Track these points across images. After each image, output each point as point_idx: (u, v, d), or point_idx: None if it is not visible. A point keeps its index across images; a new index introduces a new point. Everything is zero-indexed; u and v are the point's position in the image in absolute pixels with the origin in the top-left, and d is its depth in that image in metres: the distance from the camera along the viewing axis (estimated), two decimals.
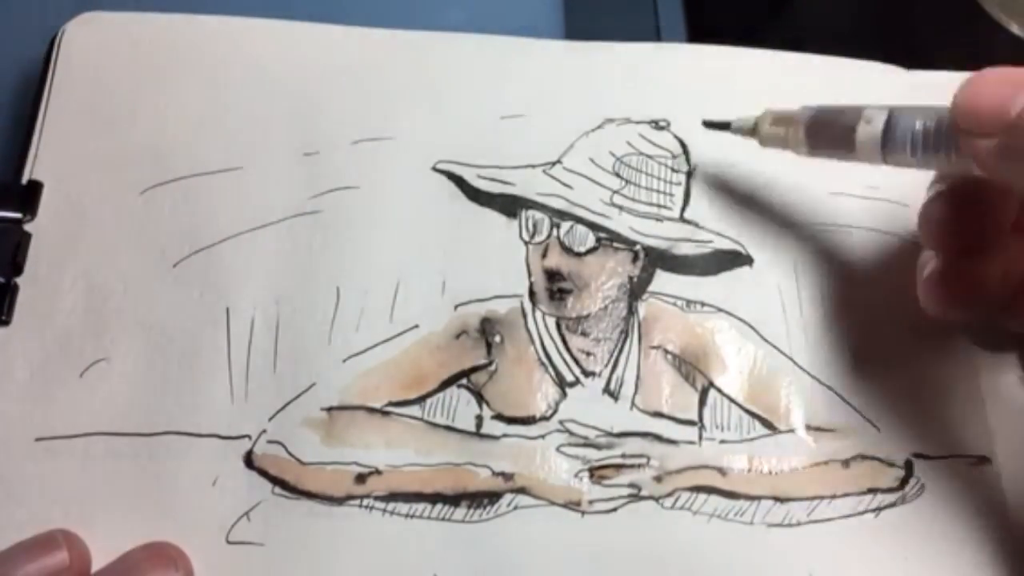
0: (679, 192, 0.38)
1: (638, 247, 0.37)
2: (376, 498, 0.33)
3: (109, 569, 0.30)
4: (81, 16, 0.39)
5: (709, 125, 0.38)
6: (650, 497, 0.33)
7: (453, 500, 0.33)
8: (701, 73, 0.41)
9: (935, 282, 0.34)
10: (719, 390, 0.35)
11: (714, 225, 0.38)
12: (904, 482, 0.34)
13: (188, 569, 0.31)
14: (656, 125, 0.39)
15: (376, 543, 0.32)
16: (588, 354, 0.35)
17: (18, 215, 0.35)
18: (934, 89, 0.41)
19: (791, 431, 0.34)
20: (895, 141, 0.31)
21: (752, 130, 0.36)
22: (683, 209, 0.38)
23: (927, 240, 0.34)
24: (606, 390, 0.35)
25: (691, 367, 0.35)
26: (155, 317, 0.35)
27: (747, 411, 0.35)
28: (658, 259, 0.37)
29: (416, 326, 0.35)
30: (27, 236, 0.35)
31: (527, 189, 0.37)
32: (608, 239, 0.37)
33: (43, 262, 0.35)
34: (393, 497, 0.33)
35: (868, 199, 0.38)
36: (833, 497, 0.33)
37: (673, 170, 0.38)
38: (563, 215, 0.37)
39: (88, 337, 0.34)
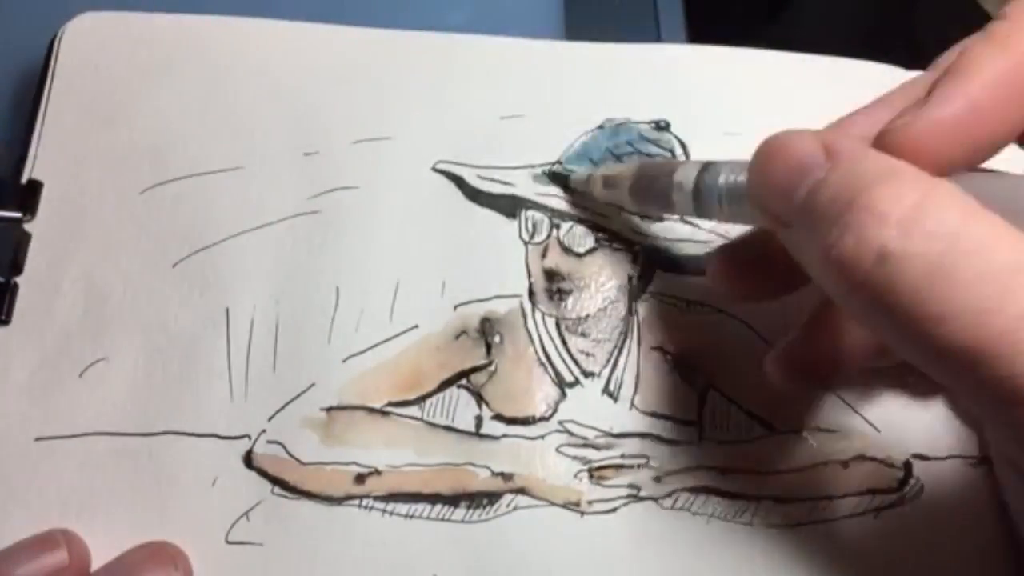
0: None
1: (638, 247, 0.37)
2: (375, 498, 0.33)
3: (108, 568, 0.30)
4: (81, 16, 0.39)
5: (550, 176, 0.38)
6: (649, 498, 0.33)
7: (452, 500, 0.33)
8: (701, 73, 0.41)
9: (775, 363, 0.32)
10: (719, 390, 0.35)
11: (714, 225, 0.38)
12: (904, 483, 0.34)
13: (187, 568, 0.31)
14: (656, 125, 0.39)
15: (375, 543, 0.32)
16: (588, 354, 0.35)
17: (18, 215, 0.35)
18: None
19: (790, 432, 0.34)
20: (704, 201, 0.30)
21: (587, 182, 0.36)
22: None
23: (716, 287, 0.33)
24: (605, 390, 0.35)
25: (691, 367, 0.35)
26: (155, 317, 0.35)
27: (747, 412, 0.35)
28: (658, 259, 0.37)
29: (416, 326, 0.35)
30: (27, 236, 0.35)
31: (527, 189, 0.37)
32: (608, 239, 0.37)
33: (43, 262, 0.35)
34: (392, 497, 0.33)
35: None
36: (832, 498, 0.33)
37: None
38: (563, 215, 0.37)
39: (88, 337, 0.34)
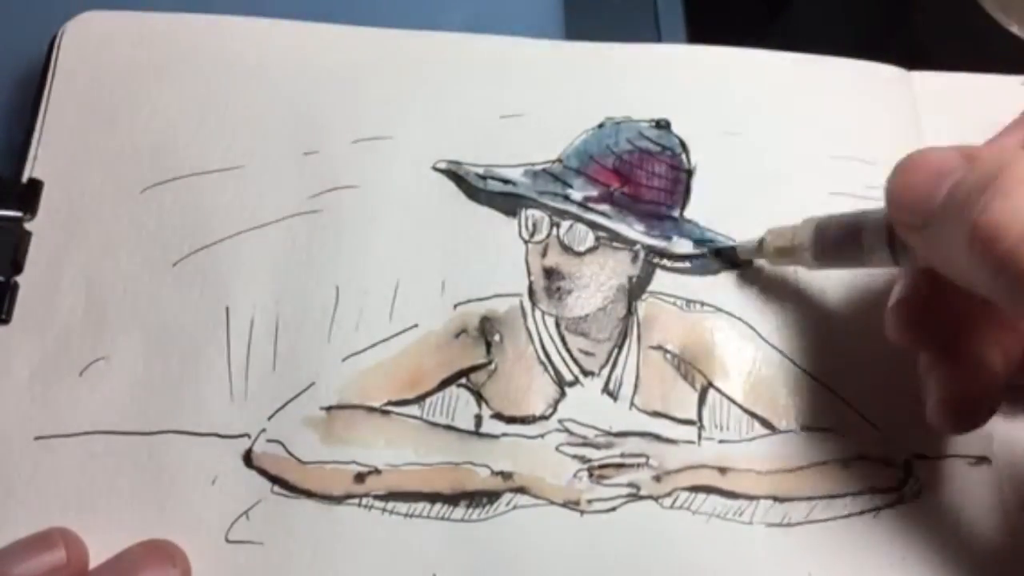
0: (679, 191, 0.38)
1: (638, 247, 0.37)
2: (375, 497, 0.33)
3: (107, 567, 0.30)
4: (81, 16, 0.39)
5: (713, 253, 0.37)
6: (649, 497, 0.33)
7: (452, 499, 0.33)
8: (701, 73, 0.41)
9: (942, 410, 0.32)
10: (718, 390, 0.35)
11: (714, 225, 0.38)
12: (903, 482, 0.34)
13: (186, 567, 0.31)
14: (657, 124, 0.39)
15: (375, 542, 0.32)
16: (587, 353, 0.35)
17: (18, 214, 0.35)
18: (935, 90, 0.41)
19: (790, 431, 0.34)
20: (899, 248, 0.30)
21: (757, 250, 0.36)
22: (683, 208, 0.38)
23: (898, 340, 0.33)
24: (605, 390, 0.35)
25: (690, 367, 0.35)
26: (155, 316, 0.35)
27: (746, 411, 0.35)
28: (657, 259, 0.37)
29: (415, 325, 0.35)
30: (27, 235, 0.35)
31: (527, 188, 0.37)
32: (608, 238, 0.37)
33: (43, 261, 0.35)
34: (392, 496, 0.33)
35: (868, 199, 0.38)
36: (832, 497, 0.33)
37: (673, 168, 0.38)
38: (563, 214, 0.37)
39: (88, 336, 0.34)
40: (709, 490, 0.33)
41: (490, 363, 0.35)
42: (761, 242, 0.35)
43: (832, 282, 0.37)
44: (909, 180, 0.28)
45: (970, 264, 0.25)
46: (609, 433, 0.34)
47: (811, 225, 0.33)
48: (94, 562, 0.31)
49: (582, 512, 0.33)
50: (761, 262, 0.37)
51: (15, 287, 0.35)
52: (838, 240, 0.32)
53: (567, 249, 0.36)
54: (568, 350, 0.35)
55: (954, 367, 0.31)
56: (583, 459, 0.34)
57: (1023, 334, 0.32)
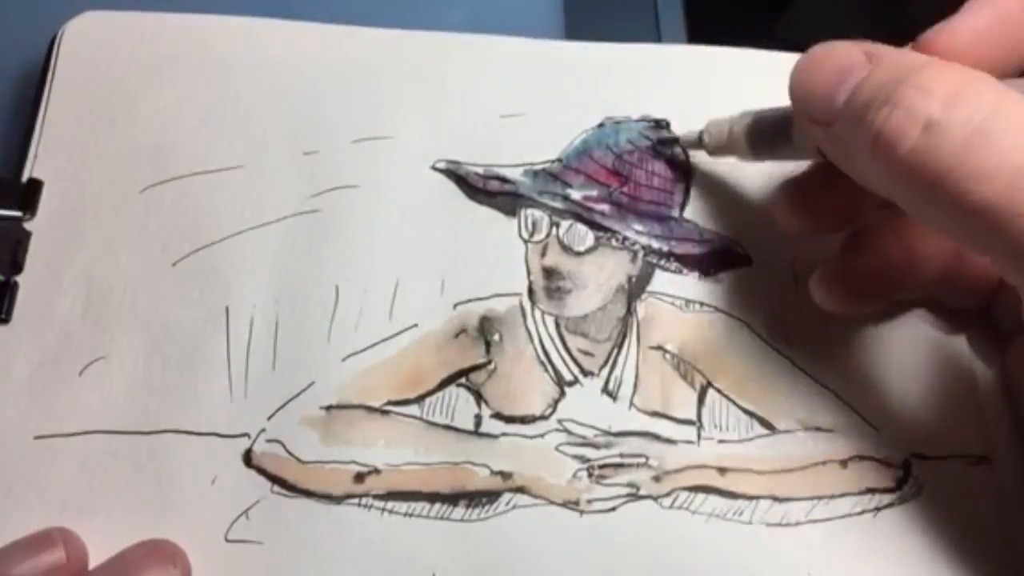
0: (679, 190, 0.38)
1: (637, 246, 0.37)
2: (375, 497, 0.33)
3: (106, 567, 0.30)
4: (81, 15, 0.39)
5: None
6: (649, 497, 0.33)
7: (452, 499, 0.33)
8: (701, 73, 0.41)
9: (821, 281, 0.34)
10: (718, 390, 0.35)
11: (714, 225, 0.38)
12: (902, 482, 0.34)
13: (186, 567, 0.31)
14: (656, 124, 0.39)
15: (375, 542, 0.32)
16: (587, 353, 0.35)
17: (18, 213, 0.35)
18: None
19: (789, 431, 0.34)
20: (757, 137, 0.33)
21: (697, 141, 0.37)
22: (683, 208, 0.38)
23: (780, 222, 0.34)
24: (605, 389, 0.35)
25: (690, 367, 0.35)
26: (154, 316, 0.35)
27: (746, 411, 0.35)
28: (657, 259, 0.37)
29: (415, 325, 0.35)
30: (27, 234, 0.35)
31: (527, 187, 0.37)
32: (607, 238, 0.37)
33: (43, 260, 0.35)
34: (392, 496, 0.33)
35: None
36: (831, 497, 0.33)
37: (673, 168, 0.38)
38: (562, 214, 0.37)
39: (87, 335, 0.34)
40: (708, 490, 0.33)
41: (489, 363, 0.35)
42: (701, 134, 0.36)
43: None
44: (812, 77, 0.28)
45: (871, 168, 0.26)
46: (608, 433, 0.34)
47: (747, 118, 0.34)
48: (93, 562, 0.31)
49: (581, 512, 0.33)
50: (701, 154, 0.37)
51: (15, 287, 0.35)
52: (771, 131, 0.33)
53: (567, 249, 0.36)
54: (567, 350, 0.35)
55: (850, 252, 0.33)
56: (583, 459, 0.34)
57: (930, 241, 0.33)
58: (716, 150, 0.36)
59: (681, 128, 0.39)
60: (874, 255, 0.33)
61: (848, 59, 0.27)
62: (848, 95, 0.27)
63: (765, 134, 0.34)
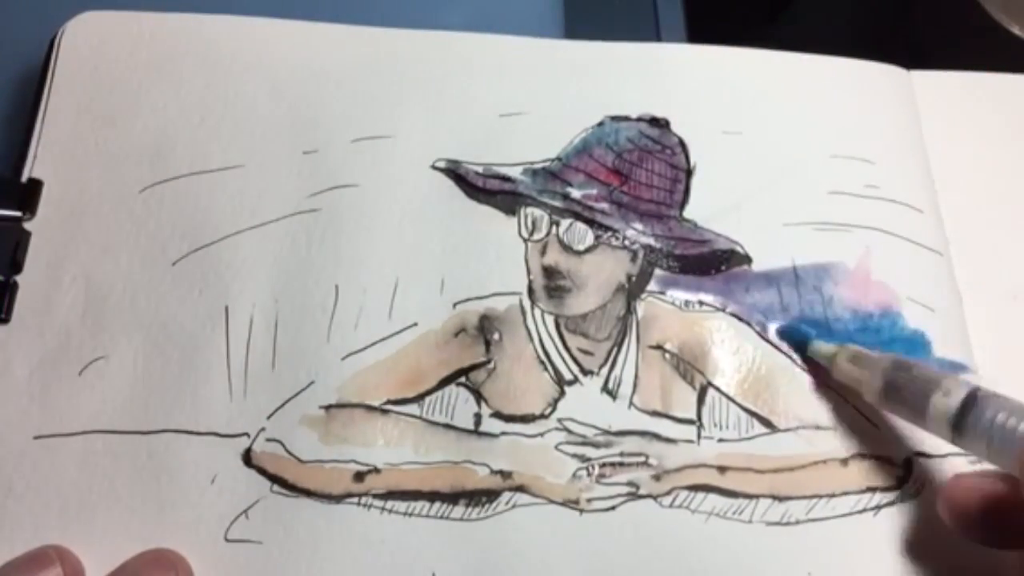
0: (679, 190, 0.38)
1: (637, 246, 0.37)
2: (374, 496, 0.33)
3: None
4: (81, 15, 0.39)
5: (782, 335, 0.36)
6: (648, 496, 0.33)
7: (451, 498, 0.33)
8: (701, 73, 0.41)
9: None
10: (717, 389, 0.35)
11: (713, 224, 0.38)
12: (903, 481, 0.34)
13: (188, 573, 0.31)
14: (656, 123, 0.39)
15: (374, 541, 0.32)
16: (586, 353, 0.35)
17: (18, 213, 0.36)
18: (934, 90, 0.41)
19: (789, 430, 0.34)
20: (967, 434, 0.30)
21: (829, 359, 0.35)
22: (682, 208, 0.38)
23: (947, 518, 0.32)
24: (604, 389, 0.35)
25: (689, 366, 0.35)
26: (154, 315, 0.35)
27: (746, 410, 0.35)
28: (657, 258, 0.37)
29: (415, 324, 0.35)
30: (26, 234, 0.35)
31: (527, 186, 0.37)
32: (607, 237, 0.37)
33: (42, 260, 0.35)
34: (391, 495, 0.33)
35: (868, 198, 0.38)
36: (832, 496, 0.33)
37: (673, 167, 0.38)
38: (562, 212, 0.37)
39: (87, 335, 0.34)
40: (708, 489, 0.33)
41: (489, 362, 0.35)
42: (835, 356, 0.34)
43: (831, 281, 0.37)
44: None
45: None
46: (608, 432, 0.34)
47: (884, 367, 0.33)
48: (91, 567, 0.31)
49: (581, 511, 0.33)
50: (825, 364, 0.35)
51: (14, 286, 0.35)
52: (905, 402, 0.32)
53: (566, 248, 0.36)
54: (567, 349, 0.35)
55: None
56: (582, 458, 0.33)
57: None
58: (843, 375, 0.34)
59: (680, 127, 0.39)
60: None
61: None
62: None
63: (901, 406, 0.32)
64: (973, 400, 0.30)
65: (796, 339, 0.36)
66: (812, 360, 0.35)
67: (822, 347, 0.35)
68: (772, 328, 0.36)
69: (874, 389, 0.33)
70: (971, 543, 0.31)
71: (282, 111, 0.38)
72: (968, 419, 0.30)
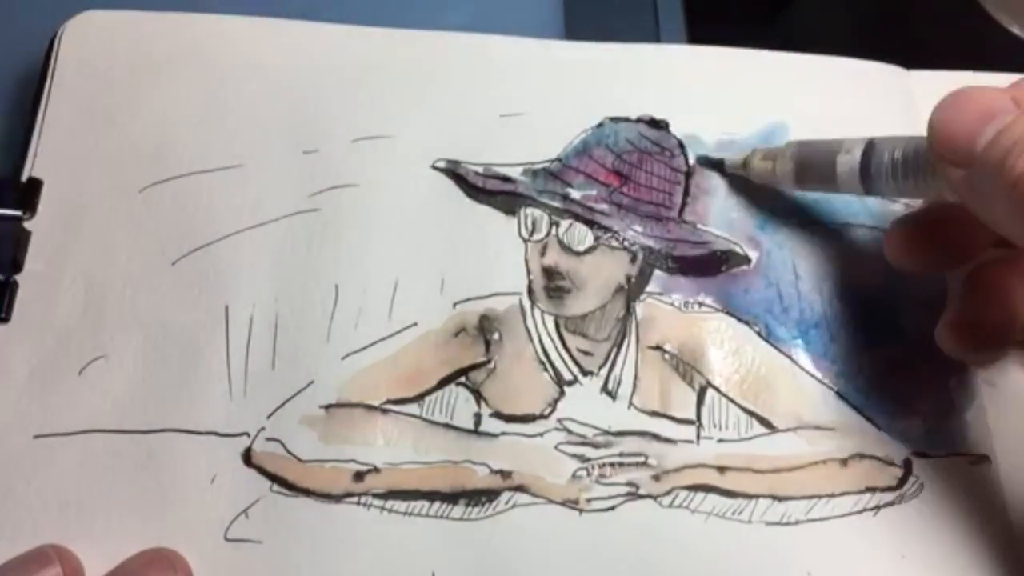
0: (678, 191, 0.38)
1: (636, 247, 0.37)
2: (374, 496, 0.33)
3: None
4: (81, 15, 0.39)
5: (703, 162, 0.39)
6: (648, 496, 0.33)
7: (451, 498, 0.33)
8: (701, 73, 0.41)
9: (949, 331, 0.34)
10: (717, 389, 0.35)
11: (713, 224, 0.38)
12: (903, 481, 0.34)
13: (187, 572, 0.31)
14: (656, 124, 0.39)
15: (374, 541, 0.32)
16: (586, 353, 0.35)
17: (18, 213, 0.35)
18: (934, 89, 0.41)
19: (789, 430, 0.34)
20: (873, 170, 0.32)
21: (743, 166, 0.38)
22: (682, 208, 0.38)
23: (892, 259, 0.35)
24: (604, 389, 0.35)
25: (689, 367, 0.35)
26: (154, 315, 0.35)
27: (745, 410, 0.35)
28: (656, 259, 0.37)
29: (415, 324, 0.35)
30: (26, 234, 0.35)
31: (526, 187, 0.37)
32: (607, 238, 0.37)
33: (42, 260, 0.35)
34: (391, 495, 0.33)
35: (867, 197, 0.38)
36: (831, 496, 0.33)
37: (672, 169, 0.38)
38: (562, 213, 0.37)
39: (87, 335, 0.34)
40: (708, 489, 0.33)
41: (489, 362, 0.35)
42: (747, 159, 0.37)
43: (831, 281, 0.37)
44: (954, 117, 0.28)
45: (1007, 214, 0.26)
46: (608, 432, 0.34)
47: (791, 149, 0.36)
48: (91, 567, 0.31)
49: (581, 511, 0.33)
50: (743, 174, 0.38)
51: (14, 286, 0.35)
52: (816, 169, 0.35)
53: (566, 248, 0.36)
54: (567, 349, 0.35)
55: (970, 294, 0.33)
56: (582, 458, 0.34)
57: None
58: (760, 178, 0.37)
59: (680, 127, 0.39)
60: (998, 299, 0.33)
61: (993, 103, 0.27)
62: (991, 139, 0.26)
63: (812, 173, 0.35)
64: (872, 148, 0.32)
65: (713, 162, 0.39)
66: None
67: (734, 157, 0.38)
68: (771, 328, 0.36)
69: (788, 172, 0.36)
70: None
71: (282, 111, 0.38)
72: (871, 166, 0.32)
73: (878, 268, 0.37)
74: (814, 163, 0.35)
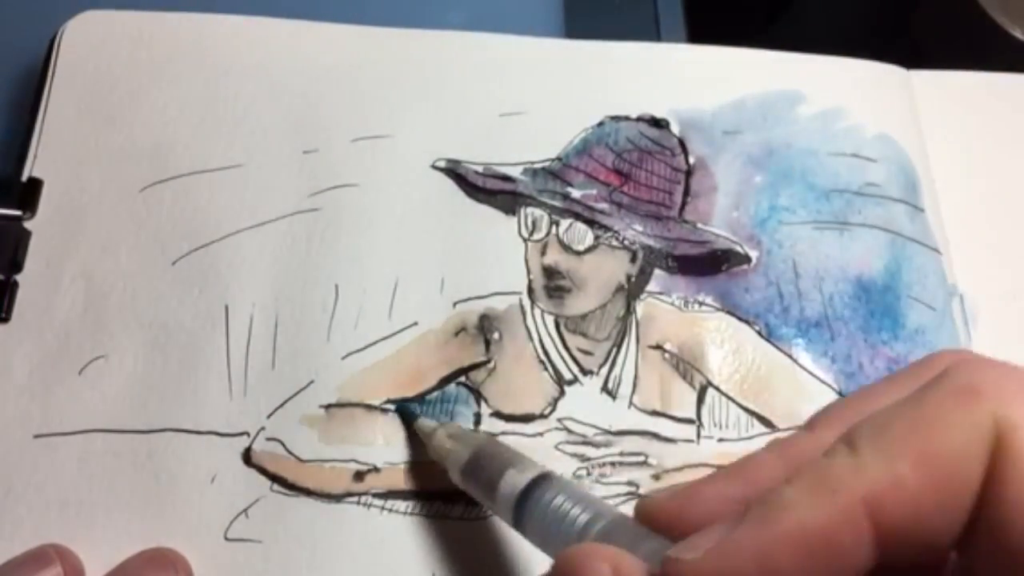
0: (678, 190, 0.38)
1: (636, 246, 0.37)
2: (374, 495, 0.33)
3: None
4: (81, 15, 0.39)
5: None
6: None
7: (451, 498, 0.33)
8: (701, 73, 0.41)
9: None
10: (717, 388, 0.35)
11: (713, 224, 0.38)
12: None
13: (188, 572, 0.31)
14: (656, 124, 0.39)
15: (374, 540, 0.32)
16: (586, 352, 0.35)
17: (18, 212, 0.35)
18: (934, 89, 0.41)
19: (789, 429, 0.34)
20: (530, 507, 0.27)
21: (428, 434, 0.32)
22: (682, 208, 0.38)
23: None
24: (604, 388, 0.35)
25: (689, 366, 0.35)
26: (154, 315, 0.35)
27: (745, 409, 0.35)
28: (656, 258, 0.37)
29: (415, 323, 0.35)
30: (27, 233, 0.35)
31: (527, 186, 0.37)
32: (607, 238, 0.37)
33: (42, 259, 0.35)
34: (391, 494, 0.33)
35: (868, 197, 0.38)
36: None
37: (672, 168, 0.38)
38: (562, 212, 0.37)
39: (87, 334, 0.34)
40: None
41: (489, 361, 0.35)
42: (434, 431, 0.32)
43: (831, 279, 0.37)
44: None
45: None
46: (608, 432, 0.34)
47: (481, 440, 0.31)
48: (91, 566, 0.31)
49: None
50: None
51: (15, 286, 0.35)
52: (481, 472, 0.29)
53: (566, 248, 0.36)
54: (567, 349, 0.35)
55: None
56: (582, 458, 0.33)
57: None
58: (436, 453, 0.32)
59: (680, 127, 0.39)
60: None
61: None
62: None
63: (478, 472, 0.29)
64: (544, 480, 0.27)
65: (404, 414, 0.34)
66: None
67: (425, 424, 0.33)
68: (771, 327, 0.36)
69: (458, 463, 0.30)
70: None
71: (282, 111, 0.38)
72: (530, 500, 0.26)
73: (878, 267, 0.37)
74: (485, 466, 0.29)
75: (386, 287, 0.35)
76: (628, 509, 0.32)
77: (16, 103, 0.40)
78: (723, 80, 0.40)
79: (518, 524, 0.27)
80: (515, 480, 0.27)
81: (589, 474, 0.33)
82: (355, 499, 0.32)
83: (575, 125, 0.39)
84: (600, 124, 0.39)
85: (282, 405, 0.33)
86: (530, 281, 0.36)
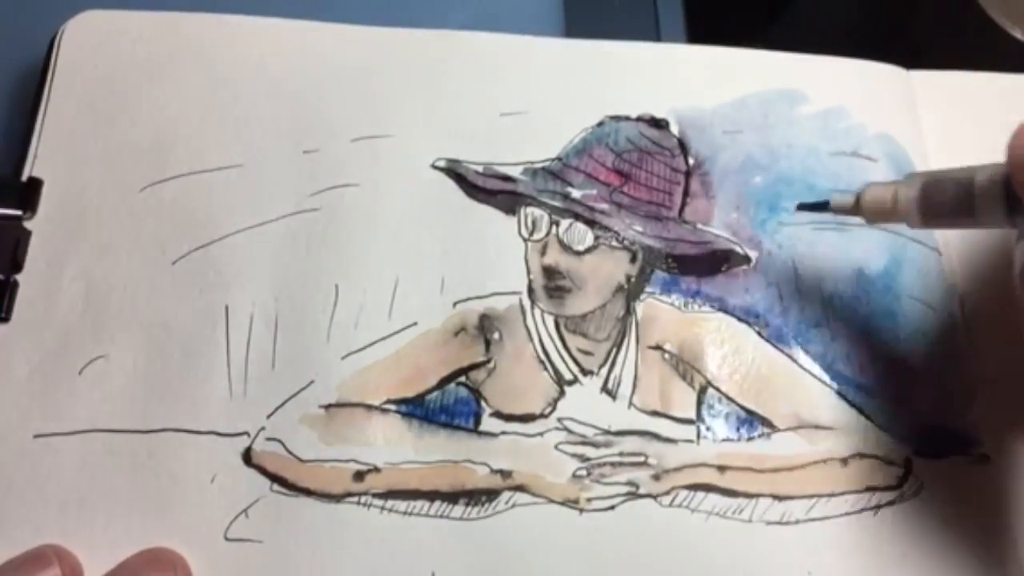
0: (678, 191, 0.38)
1: (636, 247, 0.37)
2: (374, 495, 0.33)
3: None
4: (81, 15, 0.39)
5: (804, 207, 0.35)
6: (648, 495, 0.33)
7: (451, 497, 0.33)
8: (701, 73, 0.41)
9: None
10: (717, 389, 0.35)
11: (713, 224, 0.38)
12: (903, 480, 0.34)
13: (187, 572, 0.31)
14: (656, 124, 0.39)
15: (374, 540, 0.32)
16: (586, 353, 0.35)
17: (18, 212, 0.35)
18: (934, 90, 0.41)
19: (789, 429, 0.34)
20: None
21: (853, 205, 0.33)
22: (682, 208, 0.38)
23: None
24: (604, 389, 0.35)
25: (689, 366, 0.35)
26: (154, 314, 0.35)
27: (745, 410, 0.35)
28: (656, 259, 0.37)
29: (415, 323, 0.35)
30: (27, 233, 0.35)
31: (527, 186, 0.37)
32: (607, 238, 0.37)
33: (43, 259, 0.35)
34: (391, 494, 0.33)
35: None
36: (831, 495, 0.33)
37: (672, 168, 0.38)
38: (562, 212, 0.37)
39: (87, 334, 0.34)
40: (708, 488, 0.33)
41: (489, 361, 0.35)
42: (858, 198, 0.33)
43: (831, 279, 0.37)
44: None
45: None
46: (608, 432, 0.34)
47: (917, 182, 0.31)
48: (91, 566, 0.31)
49: (581, 510, 0.33)
50: (852, 214, 0.34)
51: (15, 285, 0.35)
52: (948, 199, 0.30)
53: (566, 248, 0.36)
54: (567, 349, 0.35)
55: None
56: (582, 457, 0.34)
57: None
58: (876, 217, 0.33)
59: (680, 127, 0.39)
60: None
61: None
62: None
63: (944, 205, 0.30)
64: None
65: (815, 206, 0.34)
66: None
67: (842, 198, 0.33)
68: (771, 328, 0.36)
69: (912, 208, 0.31)
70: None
71: (282, 111, 0.38)
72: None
73: (878, 267, 0.37)
74: (946, 195, 0.30)
75: (386, 287, 0.35)
76: (628, 509, 0.33)
77: (16, 103, 0.40)
78: (723, 80, 0.40)
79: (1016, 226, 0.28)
80: (988, 171, 0.29)
81: (589, 474, 0.33)
82: (355, 499, 0.32)
83: (575, 125, 0.39)
84: (600, 124, 0.39)
85: (282, 405, 0.34)
86: (530, 281, 0.36)
